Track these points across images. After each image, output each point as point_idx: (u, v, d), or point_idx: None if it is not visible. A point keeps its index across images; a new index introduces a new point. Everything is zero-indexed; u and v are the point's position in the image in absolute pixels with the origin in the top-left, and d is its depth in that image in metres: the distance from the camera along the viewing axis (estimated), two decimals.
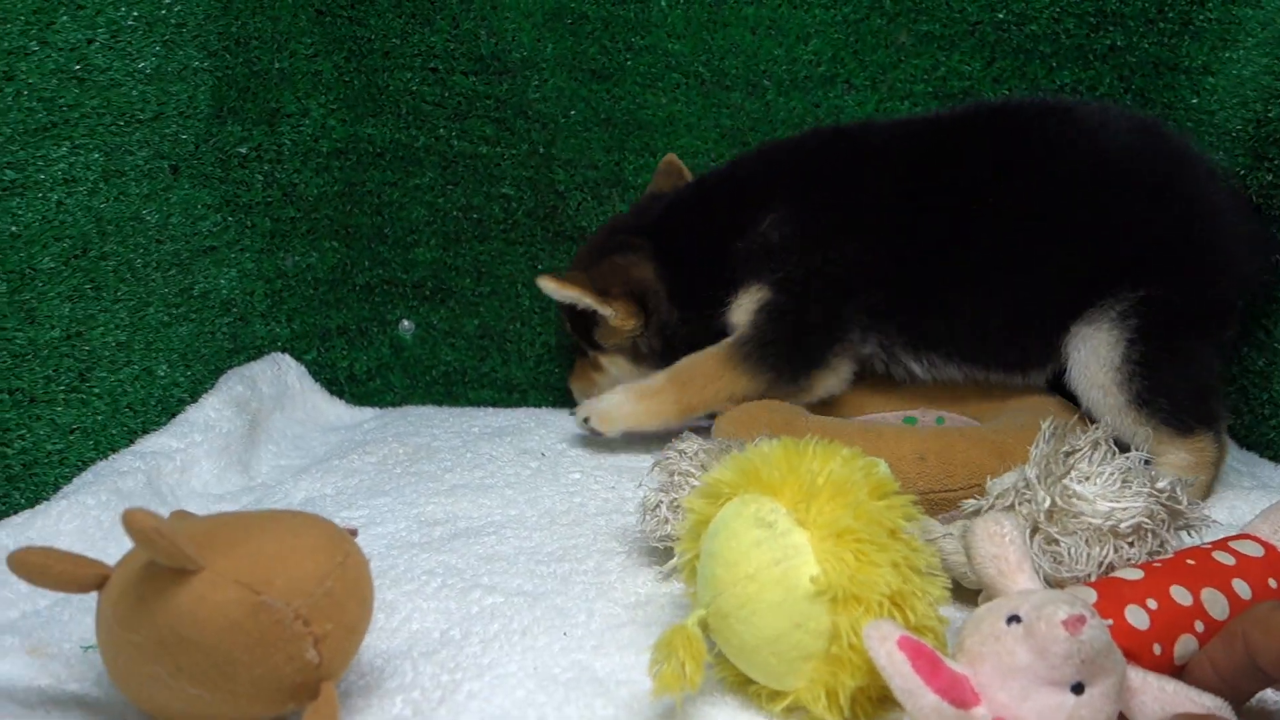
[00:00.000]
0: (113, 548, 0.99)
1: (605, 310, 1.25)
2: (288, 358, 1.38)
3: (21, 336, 0.99)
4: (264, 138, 1.32)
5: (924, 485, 0.96)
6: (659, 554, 0.97)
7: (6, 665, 0.81)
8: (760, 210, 1.21)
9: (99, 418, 1.09)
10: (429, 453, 1.24)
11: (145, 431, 1.15)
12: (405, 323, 1.45)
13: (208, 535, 0.70)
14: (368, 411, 1.44)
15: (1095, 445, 0.85)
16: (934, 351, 1.18)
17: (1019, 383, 1.18)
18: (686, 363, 1.22)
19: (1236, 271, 1.11)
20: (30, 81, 0.99)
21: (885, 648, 0.68)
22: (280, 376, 1.35)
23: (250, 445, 1.24)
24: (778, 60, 1.30)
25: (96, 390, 1.09)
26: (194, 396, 1.22)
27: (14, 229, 0.98)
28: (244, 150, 1.30)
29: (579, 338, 1.33)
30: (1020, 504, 0.84)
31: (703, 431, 1.09)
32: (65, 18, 1.03)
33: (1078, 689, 0.68)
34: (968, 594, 0.85)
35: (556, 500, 1.11)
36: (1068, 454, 0.84)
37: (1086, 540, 0.81)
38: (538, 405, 1.45)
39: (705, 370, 1.20)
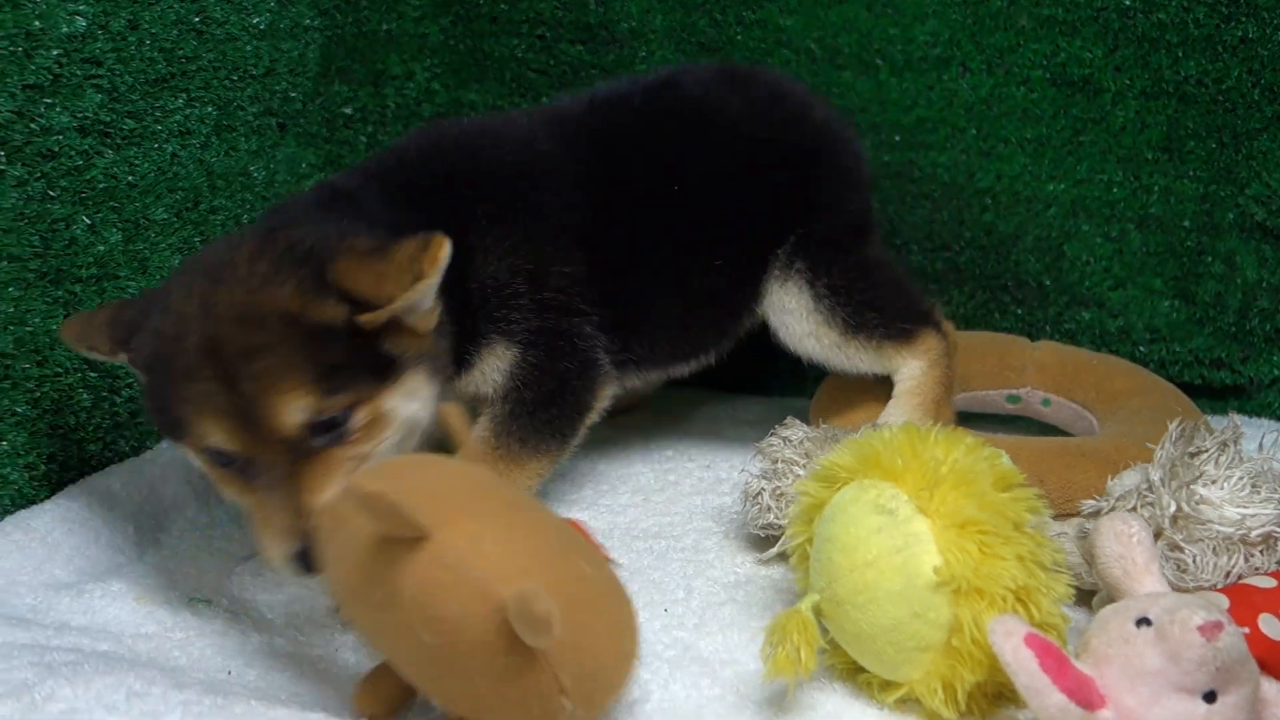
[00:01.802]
0: (214, 500, 1.00)
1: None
2: None
3: (134, 285, 1.00)
4: (369, 99, 1.32)
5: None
6: (758, 540, 0.95)
7: (116, 610, 0.82)
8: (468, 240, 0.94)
9: None
10: None
11: None
12: None
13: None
14: None
15: (1223, 447, 0.82)
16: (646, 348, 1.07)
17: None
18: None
19: (858, 180, 1.15)
20: (153, 31, 1.00)
21: (1011, 643, 0.66)
22: None
23: None
24: (892, 40, 1.27)
25: None
26: None
27: (131, 178, 0.99)
28: (349, 111, 1.30)
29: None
30: (1142, 507, 0.81)
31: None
32: None
33: (1210, 697, 0.65)
34: (1081, 595, 0.83)
35: (650, 478, 1.10)
36: (1193, 454, 0.81)
37: (1214, 548, 0.78)
38: None
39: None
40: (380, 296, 0.79)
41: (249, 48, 1.13)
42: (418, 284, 0.79)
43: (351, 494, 0.65)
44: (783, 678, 0.69)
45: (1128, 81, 1.26)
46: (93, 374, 0.96)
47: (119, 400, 1.00)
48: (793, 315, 1.09)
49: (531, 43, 1.34)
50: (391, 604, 0.64)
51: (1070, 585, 0.72)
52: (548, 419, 0.97)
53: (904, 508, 0.71)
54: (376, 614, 0.66)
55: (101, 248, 0.96)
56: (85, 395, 0.96)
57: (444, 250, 0.79)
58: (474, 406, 0.98)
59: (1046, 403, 1.15)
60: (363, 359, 0.81)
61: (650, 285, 1.05)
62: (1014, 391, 1.16)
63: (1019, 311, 1.32)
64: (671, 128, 1.07)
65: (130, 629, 0.81)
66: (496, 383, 0.97)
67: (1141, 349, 1.29)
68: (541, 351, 0.97)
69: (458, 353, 0.93)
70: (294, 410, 0.77)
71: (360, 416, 0.81)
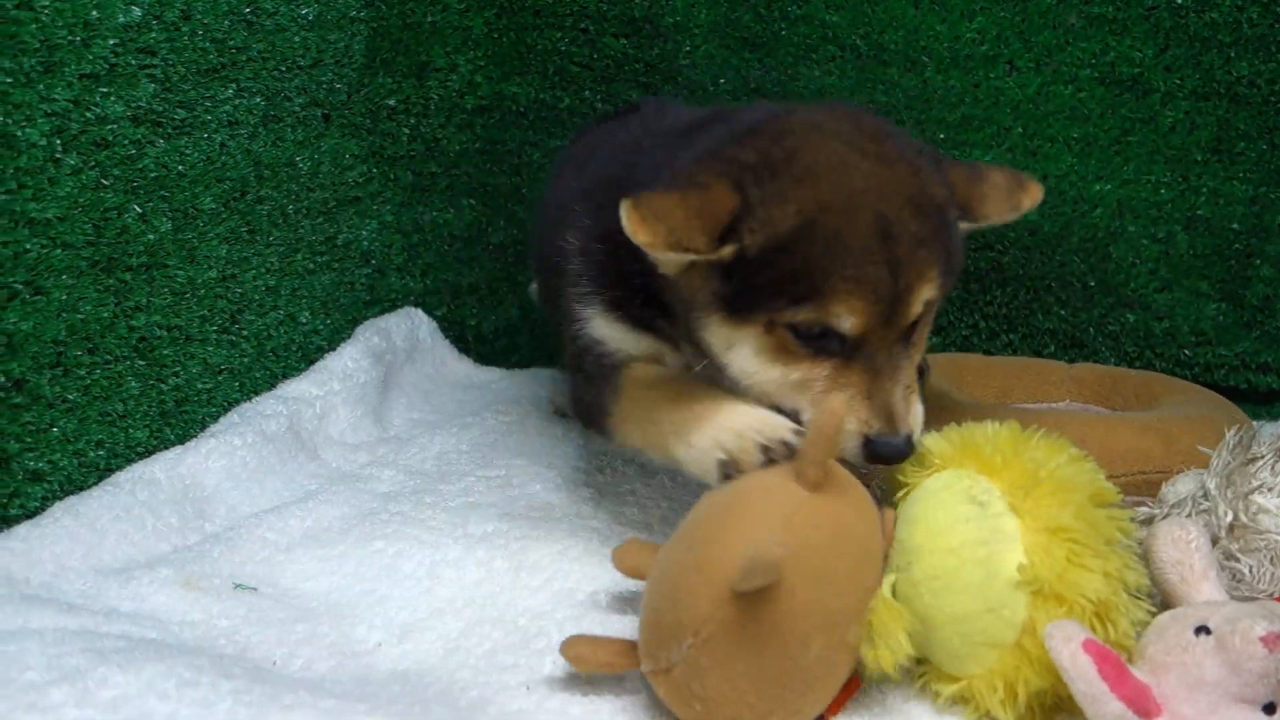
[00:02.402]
0: (255, 488, 1.01)
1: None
2: (420, 312, 1.38)
3: (182, 275, 1.00)
4: (412, 91, 1.32)
5: None
6: None
7: (164, 597, 0.82)
8: None
9: (245, 359, 1.10)
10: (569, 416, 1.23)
11: (286, 376, 1.16)
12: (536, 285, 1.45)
13: None
14: (495, 371, 1.44)
15: (1279, 453, 0.81)
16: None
17: None
18: None
19: None
20: (205, 22, 1.00)
21: (1069, 649, 0.65)
22: (413, 330, 1.36)
23: (384, 396, 1.25)
24: (939, 36, 1.26)
25: (245, 333, 1.10)
26: (332, 345, 1.23)
27: (180, 168, 0.99)
28: (392, 102, 1.30)
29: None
30: (1196, 515, 0.80)
31: None
32: None
33: (1270, 709, 0.64)
34: None
35: None
36: (1248, 462, 0.80)
37: (1271, 558, 0.77)
38: None
39: None
40: (977, 212, 0.83)
41: (297, 39, 1.13)
42: (1014, 214, 0.85)
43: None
44: (887, 674, 0.68)
45: (1178, 81, 1.24)
46: (141, 362, 0.97)
47: (166, 388, 1.00)
48: None
49: (575, 36, 1.34)
50: None
51: (1150, 611, 0.71)
52: None
53: (996, 503, 0.71)
54: None
55: (151, 236, 0.97)
56: (134, 383, 0.96)
57: (1039, 187, 0.87)
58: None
59: None
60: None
61: None
62: (1052, 405, 1.15)
63: (1062, 313, 1.31)
64: None
65: (177, 616, 0.81)
66: None
67: (1187, 352, 1.28)
68: None
69: None
70: (925, 300, 0.79)
71: (927, 313, 0.82)
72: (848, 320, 0.76)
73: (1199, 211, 1.27)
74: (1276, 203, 1.25)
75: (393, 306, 1.35)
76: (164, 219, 0.98)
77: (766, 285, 0.77)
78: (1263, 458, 0.81)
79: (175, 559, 0.88)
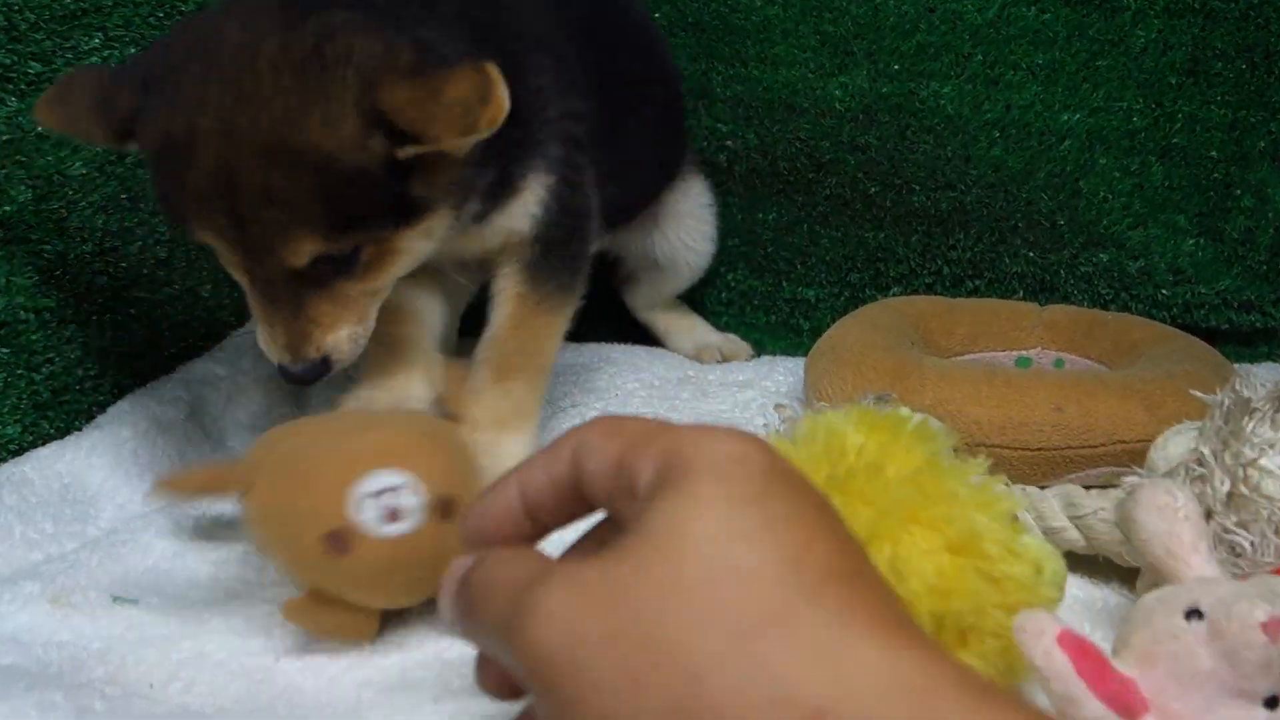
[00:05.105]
0: (147, 485, 0.91)
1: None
2: None
3: (49, 249, 0.90)
4: None
5: (1060, 440, 0.84)
6: None
7: (26, 616, 0.73)
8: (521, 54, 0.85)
9: (136, 341, 1.00)
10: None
11: (189, 358, 1.06)
12: None
13: None
14: None
15: (1278, 403, 0.72)
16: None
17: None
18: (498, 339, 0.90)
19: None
20: None
21: (1042, 644, 0.57)
22: None
23: None
24: None
25: (133, 311, 0.99)
26: (241, 319, 1.13)
27: (40, 129, 0.88)
28: None
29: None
30: (1190, 482, 0.71)
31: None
32: None
33: (1271, 703, 0.56)
34: (1121, 572, 0.74)
35: None
36: (1246, 413, 0.71)
37: (1277, 529, 0.68)
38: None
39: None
40: (427, 134, 0.69)
41: None
42: (469, 135, 0.69)
43: None
44: None
45: None
46: (4, 350, 0.86)
47: (38, 377, 0.90)
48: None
49: None
50: None
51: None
52: (573, 256, 0.92)
53: None
54: None
55: (8, 208, 0.86)
56: None
57: (504, 98, 0.68)
58: (479, 266, 0.94)
59: (1059, 364, 1.05)
60: (386, 199, 0.73)
61: (613, 135, 0.99)
62: (1023, 353, 1.05)
63: (1030, 254, 1.22)
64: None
65: (42, 636, 0.72)
66: (535, 216, 0.88)
67: (1164, 292, 1.19)
68: (566, 185, 0.89)
69: (494, 186, 0.84)
70: (300, 254, 0.72)
71: (367, 254, 0.76)
72: (217, 252, 0.76)
73: (1174, 140, 1.18)
74: (1257, 127, 1.16)
75: None
76: (22, 188, 0.87)
77: (160, 194, 0.75)
78: (1258, 409, 0.72)
79: (45, 570, 0.78)
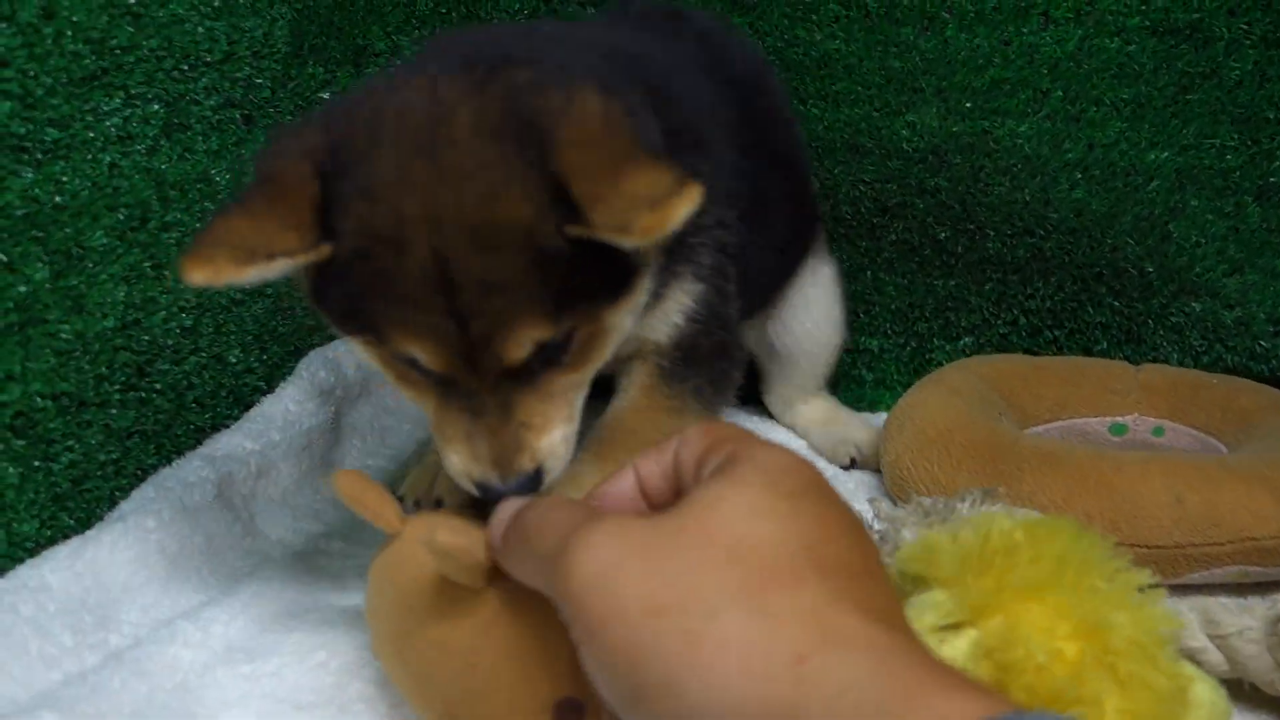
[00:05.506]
0: (175, 581, 0.84)
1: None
2: None
3: (68, 329, 0.83)
4: (349, 80, 1.14)
5: (1180, 537, 0.76)
6: None
7: None
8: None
9: (162, 417, 0.93)
10: None
11: (215, 429, 0.99)
12: None
13: None
14: None
15: None
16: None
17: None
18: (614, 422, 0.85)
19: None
20: (75, 20, 0.82)
21: None
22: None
23: (334, 442, 1.08)
24: None
25: (158, 386, 0.93)
26: (270, 386, 1.06)
27: (59, 199, 0.82)
28: (326, 95, 1.12)
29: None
30: None
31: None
32: None
33: None
34: (1273, 703, 0.66)
35: None
36: None
37: None
38: None
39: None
40: (587, 218, 0.60)
41: (201, 29, 0.95)
42: (648, 234, 0.59)
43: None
44: None
45: (1244, 27, 1.06)
46: (19, 442, 0.80)
47: (57, 467, 0.83)
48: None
49: (536, 5, 1.15)
50: None
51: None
52: (718, 369, 0.87)
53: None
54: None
55: (23, 288, 0.79)
56: (12, 469, 0.79)
57: (682, 218, 0.58)
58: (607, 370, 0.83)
59: (1159, 431, 0.96)
60: (598, 270, 0.65)
61: (756, 235, 0.91)
62: (1118, 419, 0.97)
63: (1116, 304, 1.14)
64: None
65: None
66: (677, 325, 0.82)
67: (1263, 344, 1.11)
68: (716, 294, 0.84)
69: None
70: (526, 344, 0.65)
71: (581, 336, 0.68)
72: (423, 358, 0.66)
73: (1272, 179, 1.09)
74: None
75: None
76: (39, 265, 0.80)
77: (339, 300, 0.67)
78: None
79: (65, 696, 0.71)
